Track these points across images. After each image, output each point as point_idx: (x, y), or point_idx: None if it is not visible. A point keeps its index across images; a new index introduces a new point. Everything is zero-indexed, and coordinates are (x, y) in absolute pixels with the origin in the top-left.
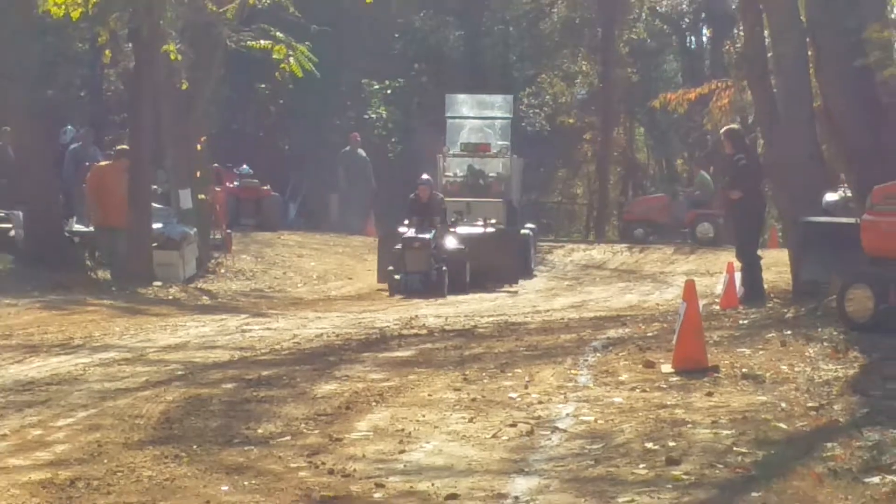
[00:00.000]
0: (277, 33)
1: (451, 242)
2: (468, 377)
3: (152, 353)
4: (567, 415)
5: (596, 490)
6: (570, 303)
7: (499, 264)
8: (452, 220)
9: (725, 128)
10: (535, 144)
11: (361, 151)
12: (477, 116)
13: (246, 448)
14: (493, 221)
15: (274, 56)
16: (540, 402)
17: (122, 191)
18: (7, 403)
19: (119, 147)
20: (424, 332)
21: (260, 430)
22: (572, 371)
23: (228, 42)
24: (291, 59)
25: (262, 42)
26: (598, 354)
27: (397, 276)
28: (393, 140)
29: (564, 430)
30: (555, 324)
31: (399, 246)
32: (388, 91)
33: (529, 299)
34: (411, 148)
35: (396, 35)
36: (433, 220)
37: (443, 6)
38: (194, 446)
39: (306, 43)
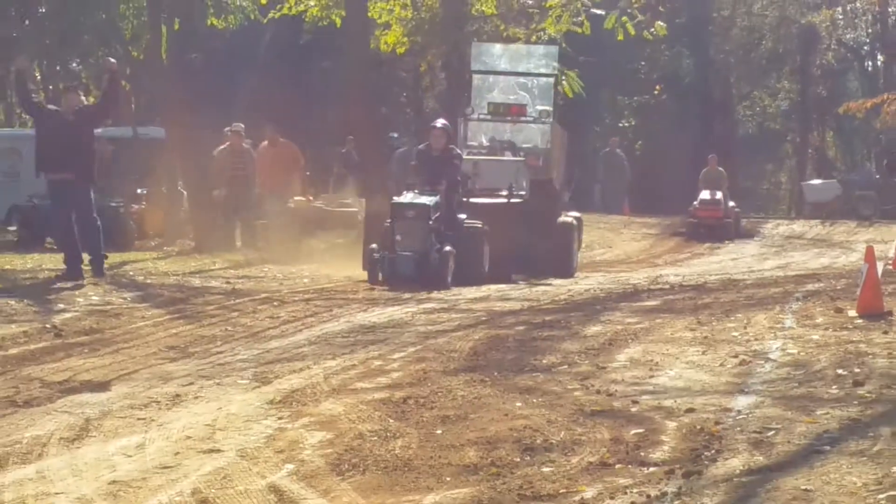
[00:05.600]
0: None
1: (462, 215)
2: (701, 320)
3: (462, 303)
4: (776, 349)
5: (799, 405)
6: (777, 264)
7: (531, 250)
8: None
9: None
10: (748, 145)
11: (619, 151)
12: (511, 71)
13: (534, 374)
14: (523, 193)
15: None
16: (755, 339)
17: None
18: (356, 341)
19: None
20: (667, 286)
21: (544, 361)
22: (780, 315)
23: None
24: (564, 83)
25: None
26: (799, 303)
27: (377, 255)
28: (639, 143)
29: (774, 360)
30: (766, 280)
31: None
32: (636, 105)
33: (746, 262)
34: (653, 148)
35: (643, 63)
36: (439, 184)
37: (678, 39)
38: (495, 373)
39: (575, 69)
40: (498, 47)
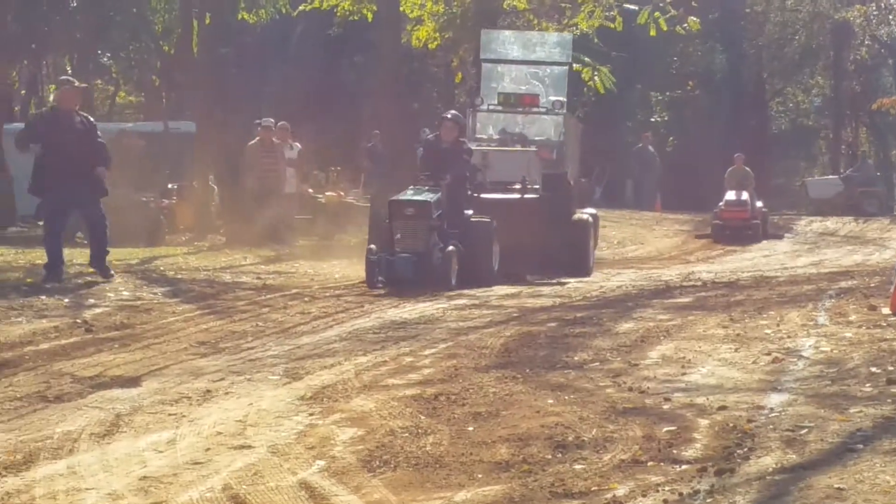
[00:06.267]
0: (585, 58)
1: (469, 211)
2: (733, 318)
3: (494, 300)
4: (809, 346)
5: (832, 403)
6: (810, 261)
7: (546, 248)
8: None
9: None
10: (780, 142)
11: (650, 147)
12: (522, 60)
13: (565, 371)
14: (537, 188)
15: (582, 76)
16: (788, 337)
17: None
18: (387, 338)
19: None
20: (699, 283)
21: (576, 358)
22: (813, 313)
23: None
24: (597, 79)
25: (573, 65)
26: (832, 300)
27: (374, 257)
28: (671, 138)
29: (807, 358)
30: (799, 277)
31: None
32: (668, 101)
33: (779, 259)
34: (685, 143)
35: (675, 58)
36: (443, 178)
37: (710, 35)
38: (527, 370)
39: (607, 65)
40: (509, 34)
